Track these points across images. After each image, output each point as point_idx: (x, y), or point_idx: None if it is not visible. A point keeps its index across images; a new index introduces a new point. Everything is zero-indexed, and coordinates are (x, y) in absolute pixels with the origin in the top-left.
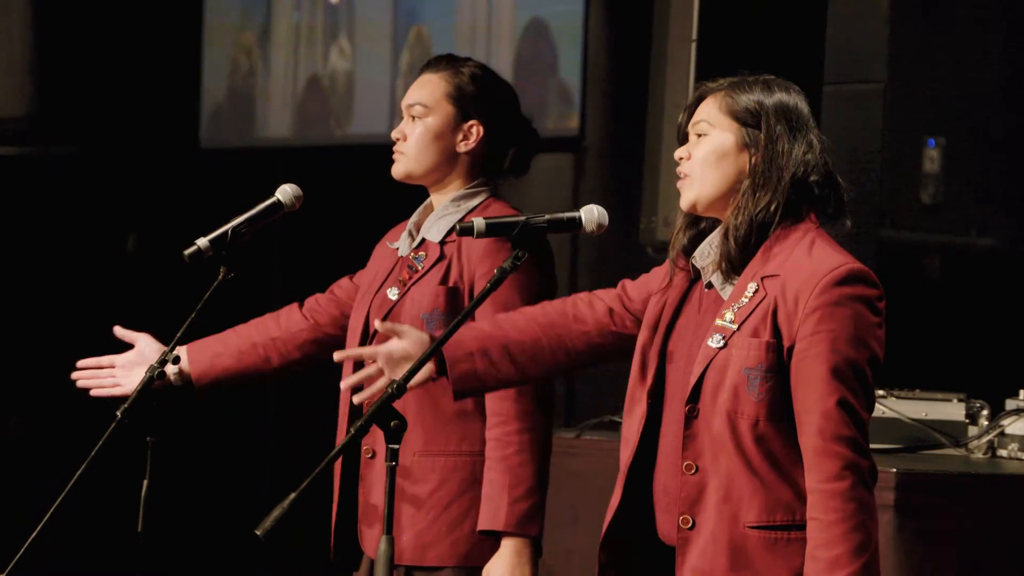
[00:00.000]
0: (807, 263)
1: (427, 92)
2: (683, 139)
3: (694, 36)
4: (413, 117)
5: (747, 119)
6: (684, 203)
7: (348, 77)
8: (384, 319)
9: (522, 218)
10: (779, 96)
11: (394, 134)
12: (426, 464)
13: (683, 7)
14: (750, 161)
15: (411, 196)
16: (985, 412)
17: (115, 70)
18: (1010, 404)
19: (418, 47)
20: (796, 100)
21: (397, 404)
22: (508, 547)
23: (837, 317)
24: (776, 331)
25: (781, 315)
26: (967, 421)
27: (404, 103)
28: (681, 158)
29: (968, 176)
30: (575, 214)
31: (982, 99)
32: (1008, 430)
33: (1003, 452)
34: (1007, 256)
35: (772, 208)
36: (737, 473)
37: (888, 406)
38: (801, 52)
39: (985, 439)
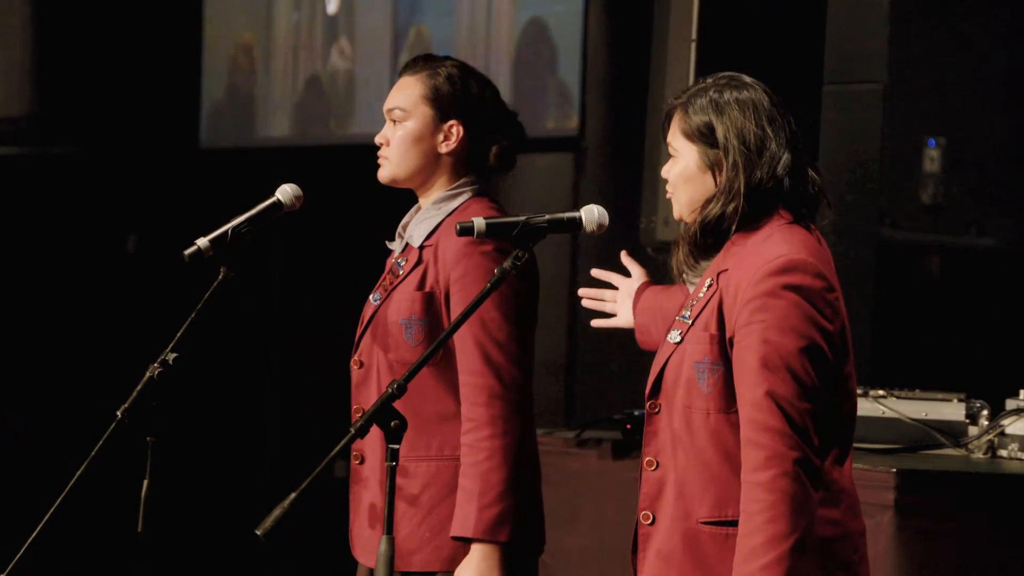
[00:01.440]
0: (754, 256)
1: (405, 95)
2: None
3: (694, 36)
4: (394, 121)
5: (703, 138)
6: (675, 216)
7: (348, 77)
8: (367, 324)
9: (522, 218)
10: (731, 100)
11: (377, 139)
12: (408, 469)
13: (683, 7)
14: (714, 177)
15: (411, 197)
16: (985, 412)
17: (115, 70)
18: (1010, 404)
19: (418, 47)
20: (751, 96)
21: None
22: (477, 553)
23: (770, 307)
24: (721, 324)
25: (725, 307)
26: (967, 421)
27: (384, 107)
28: (666, 178)
29: (968, 176)
30: (575, 214)
31: (982, 99)
32: (1008, 430)
33: (1003, 452)
34: (1007, 256)
35: (730, 209)
36: (691, 468)
37: (888, 406)
38: (801, 52)
39: (985, 439)
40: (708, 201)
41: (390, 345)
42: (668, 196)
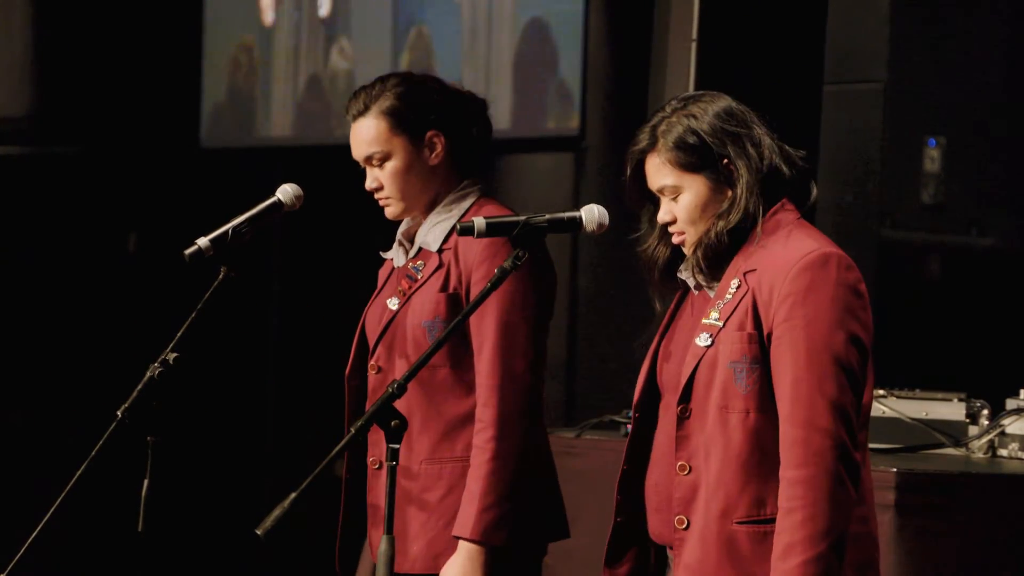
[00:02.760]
0: (782, 253)
1: (373, 139)
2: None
3: (694, 36)
4: (376, 165)
5: (701, 160)
6: (689, 251)
7: (348, 77)
8: (385, 329)
9: (522, 218)
10: (708, 116)
11: (368, 186)
12: (434, 471)
13: (683, 7)
14: (731, 191)
15: None
16: (985, 412)
17: (116, 70)
18: (1010, 404)
19: (418, 47)
20: (723, 105)
21: (403, 413)
22: (465, 550)
23: (810, 302)
24: (757, 322)
25: (760, 305)
26: (967, 421)
27: (359, 157)
28: (668, 222)
29: (968, 176)
30: (576, 214)
31: (982, 99)
32: (1008, 430)
33: (1003, 452)
34: (1007, 256)
35: (751, 207)
36: (727, 470)
37: (888, 406)
38: (801, 52)
39: (985, 439)
40: (724, 212)
41: (411, 349)
42: (677, 239)
